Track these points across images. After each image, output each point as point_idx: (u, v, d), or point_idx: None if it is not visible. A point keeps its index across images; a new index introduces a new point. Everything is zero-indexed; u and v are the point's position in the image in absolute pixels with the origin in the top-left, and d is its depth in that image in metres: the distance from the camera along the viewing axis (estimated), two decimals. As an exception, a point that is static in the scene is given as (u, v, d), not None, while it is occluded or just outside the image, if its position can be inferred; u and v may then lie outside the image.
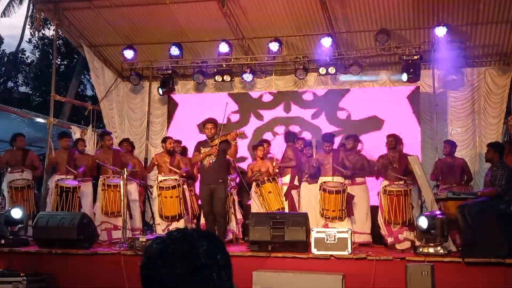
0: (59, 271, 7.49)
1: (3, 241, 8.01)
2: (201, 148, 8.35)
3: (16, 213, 8.36)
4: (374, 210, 9.06)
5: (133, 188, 9.65)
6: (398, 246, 8.26)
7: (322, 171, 8.98)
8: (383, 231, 8.55)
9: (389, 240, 8.45)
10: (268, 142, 10.04)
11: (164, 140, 9.74)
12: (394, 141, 8.93)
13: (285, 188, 9.30)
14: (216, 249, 1.53)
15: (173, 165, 9.38)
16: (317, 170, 9.06)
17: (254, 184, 9.20)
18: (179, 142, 10.33)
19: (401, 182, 8.56)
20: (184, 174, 9.44)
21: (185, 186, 9.34)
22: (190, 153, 9.80)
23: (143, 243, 7.29)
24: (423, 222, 7.19)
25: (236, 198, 9.67)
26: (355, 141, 9.53)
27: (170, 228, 8.84)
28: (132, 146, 10.80)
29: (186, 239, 1.51)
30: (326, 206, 8.57)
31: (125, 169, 8.42)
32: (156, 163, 9.60)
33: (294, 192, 9.37)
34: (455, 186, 8.85)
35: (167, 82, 12.16)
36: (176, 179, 9.11)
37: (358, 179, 9.24)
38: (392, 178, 8.73)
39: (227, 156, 8.47)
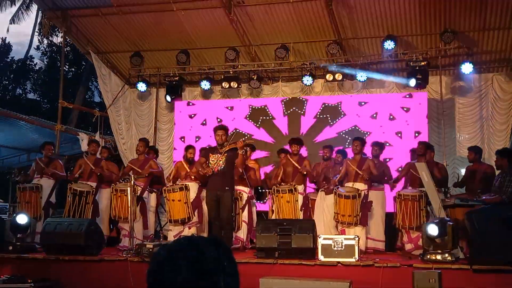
0: (67, 277, 7.49)
1: (10, 247, 8.04)
2: (210, 154, 8.36)
3: (22, 219, 8.40)
4: (389, 217, 9.05)
5: (152, 197, 9.70)
6: (415, 252, 8.21)
7: (347, 177, 8.98)
8: (404, 237, 8.53)
9: (408, 246, 8.42)
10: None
11: (186, 148, 9.88)
12: (423, 149, 8.97)
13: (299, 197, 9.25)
14: (223, 255, 1.53)
15: (192, 172, 9.42)
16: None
17: (272, 190, 9.17)
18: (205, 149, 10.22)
19: (422, 189, 8.54)
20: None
21: (203, 194, 9.34)
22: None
23: (150, 250, 7.29)
24: (433, 230, 7.10)
25: (254, 209, 9.66)
26: (380, 148, 9.56)
27: (182, 234, 8.85)
28: (156, 153, 10.83)
29: (193, 245, 1.51)
30: (340, 210, 8.54)
31: (133, 176, 8.43)
32: (176, 170, 9.71)
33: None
34: (463, 194, 8.80)
35: (174, 88, 12.22)
36: (184, 184, 9.14)
37: (376, 185, 9.22)
38: (417, 185, 8.74)
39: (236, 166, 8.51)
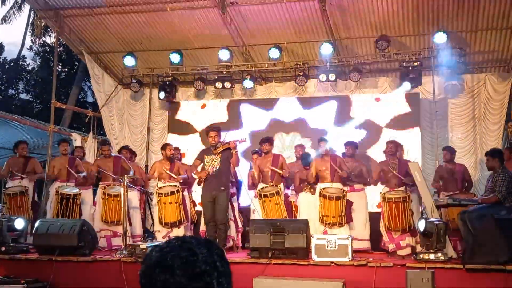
0: (60, 278, 7.47)
1: (3, 248, 8.00)
2: (205, 156, 8.36)
3: (19, 223, 8.38)
4: (374, 216, 9.05)
5: (134, 195, 9.63)
6: (399, 252, 8.24)
7: (320, 178, 8.94)
8: (385, 238, 8.52)
9: (391, 247, 8.42)
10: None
11: (164, 147, 9.71)
12: (394, 148, 8.94)
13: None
14: (216, 256, 1.53)
15: (172, 171, 9.37)
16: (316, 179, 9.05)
17: (258, 195, 9.13)
18: (178, 149, 10.38)
19: (401, 189, 8.57)
20: (181, 181, 9.41)
21: (185, 193, 9.35)
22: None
23: (144, 250, 7.28)
24: (421, 225, 7.24)
25: (236, 205, 9.64)
26: (354, 147, 9.52)
27: (171, 235, 8.83)
28: (132, 153, 10.82)
29: (185, 246, 1.51)
30: (326, 212, 8.53)
31: (126, 176, 8.41)
32: (156, 169, 9.60)
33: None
34: (457, 193, 8.83)
35: (168, 89, 12.20)
36: (175, 186, 9.10)
37: (357, 186, 9.21)
38: (393, 185, 8.73)
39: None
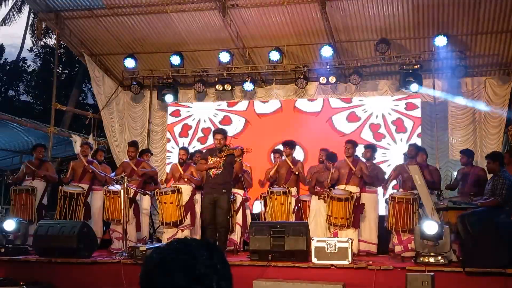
0: (59, 280, 7.46)
1: (2, 250, 7.99)
2: (209, 157, 8.33)
3: (9, 225, 8.32)
4: (384, 219, 9.04)
5: (146, 199, 9.67)
6: (405, 255, 8.22)
7: (340, 179, 8.97)
8: (394, 239, 8.53)
9: (398, 248, 8.43)
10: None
11: (178, 150, 9.87)
12: (414, 151, 8.98)
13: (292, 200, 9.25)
14: (216, 258, 1.53)
15: (185, 174, 9.40)
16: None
17: (267, 192, 9.19)
18: (200, 152, 10.12)
19: (414, 191, 8.53)
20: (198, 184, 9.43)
21: (196, 197, 9.34)
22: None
23: (143, 252, 7.27)
24: (430, 228, 7.07)
25: (248, 210, 9.66)
26: (373, 150, 9.56)
27: (176, 237, 8.82)
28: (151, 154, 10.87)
29: (186, 249, 1.51)
30: (333, 213, 8.53)
31: (125, 177, 8.40)
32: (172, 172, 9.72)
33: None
34: (460, 196, 8.78)
35: (168, 91, 12.20)
36: (176, 186, 9.13)
37: (368, 188, 9.19)
38: (407, 187, 8.74)
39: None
